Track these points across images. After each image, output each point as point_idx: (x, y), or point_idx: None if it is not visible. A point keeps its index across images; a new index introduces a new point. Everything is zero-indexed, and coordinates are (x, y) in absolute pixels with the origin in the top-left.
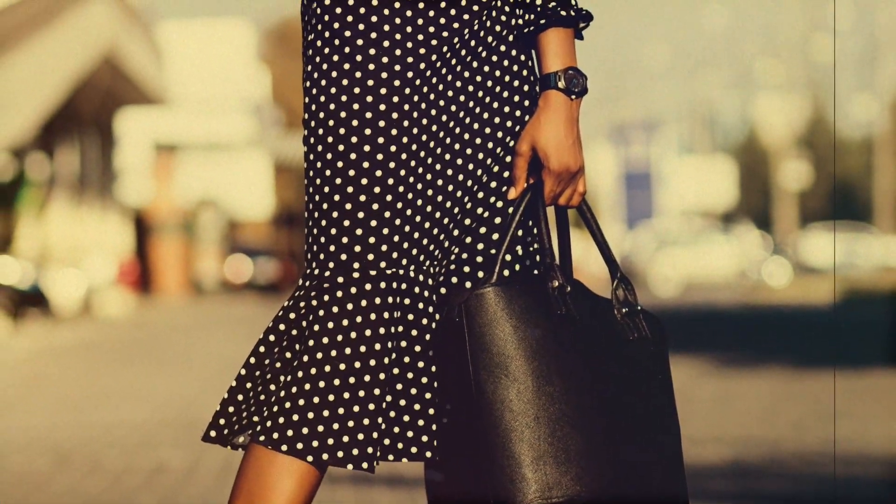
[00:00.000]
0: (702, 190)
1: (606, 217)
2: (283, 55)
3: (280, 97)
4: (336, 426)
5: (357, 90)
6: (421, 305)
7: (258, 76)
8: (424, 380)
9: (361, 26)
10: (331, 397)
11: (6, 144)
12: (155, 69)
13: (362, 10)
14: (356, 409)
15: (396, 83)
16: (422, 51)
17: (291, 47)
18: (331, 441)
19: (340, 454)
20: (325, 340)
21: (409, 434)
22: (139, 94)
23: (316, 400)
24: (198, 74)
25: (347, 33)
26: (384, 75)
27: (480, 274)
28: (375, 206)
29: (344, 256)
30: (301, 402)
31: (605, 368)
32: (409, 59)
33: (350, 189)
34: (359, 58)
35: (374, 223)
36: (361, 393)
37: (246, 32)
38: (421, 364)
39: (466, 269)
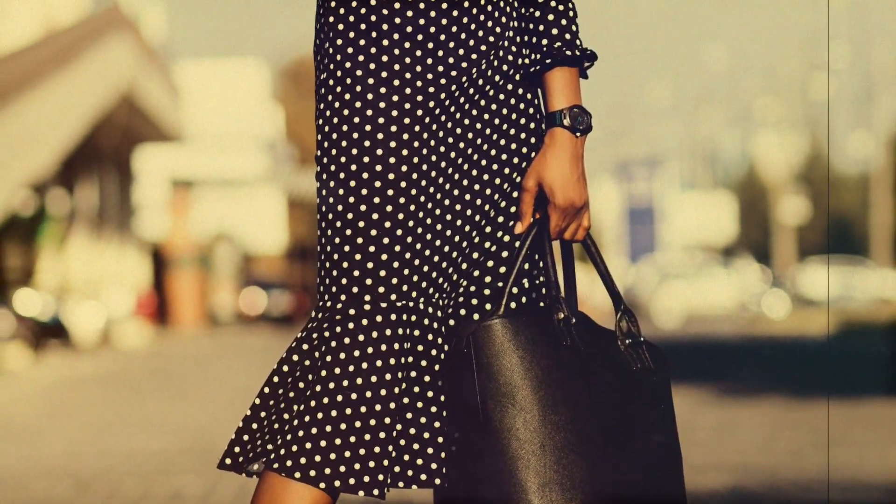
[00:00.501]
0: (703, 225)
1: (610, 251)
2: (296, 94)
3: (293, 134)
4: (348, 454)
5: (368, 128)
6: (430, 337)
7: (272, 114)
8: (434, 409)
9: (372, 66)
10: (343, 426)
11: (28, 180)
12: (172, 107)
13: (373, 50)
14: (367, 437)
15: (406, 121)
16: (431, 90)
17: (304, 86)
18: (343, 468)
19: (352, 481)
20: (338, 371)
21: (419, 461)
22: (157, 132)
23: (328, 428)
24: (213, 112)
25: (359, 72)
26: (394, 113)
27: (488, 306)
28: (386, 240)
29: (355, 289)
30: (314, 430)
31: (610, 398)
32: (419, 98)
33: (361, 223)
34: (370, 96)
35: (384, 256)
36: (372, 422)
37: (260, 72)
38: (430, 394)
39: (474, 301)
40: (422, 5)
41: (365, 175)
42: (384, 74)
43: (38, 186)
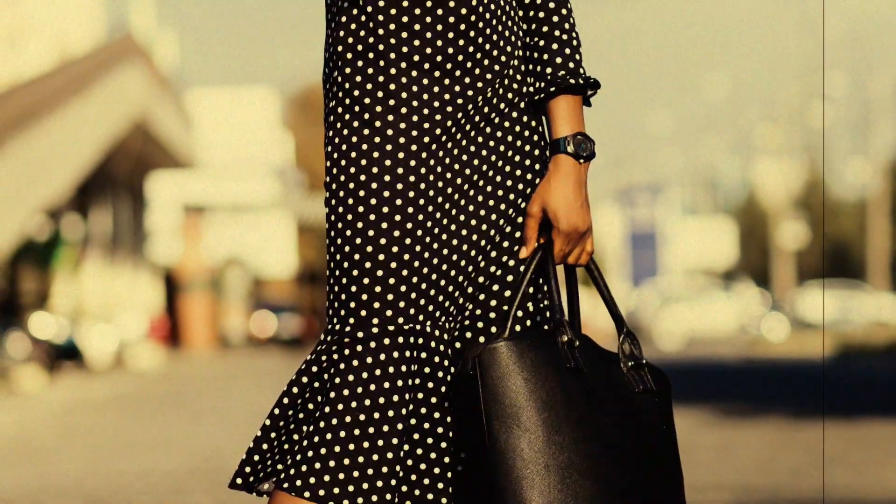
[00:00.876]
0: (704, 249)
1: (613, 275)
2: (305, 121)
3: (303, 161)
4: (356, 474)
5: (376, 154)
6: (437, 359)
7: (282, 141)
8: (440, 430)
9: (380, 94)
10: (351, 447)
11: (43, 206)
12: (184, 134)
13: (381, 79)
14: (375, 457)
15: (413, 147)
16: (438, 117)
17: (314, 114)
18: (351, 488)
19: (360, 501)
20: (346, 393)
21: (426, 481)
22: (169, 158)
23: (337, 449)
24: (225, 139)
25: (367, 100)
26: (402, 140)
27: (493, 329)
28: (393, 265)
29: (364, 312)
30: (323, 451)
31: (612, 419)
32: (426, 125)
33: (369, 248)
34: (378, 124)
35: (392, 281)
36: (380, 443)
37: (271, 100)
38: (437, 415)
39: (480, 324)
40: (429, 35)
41: (373, 201)
42: (392, 102)
43: (52, 212)
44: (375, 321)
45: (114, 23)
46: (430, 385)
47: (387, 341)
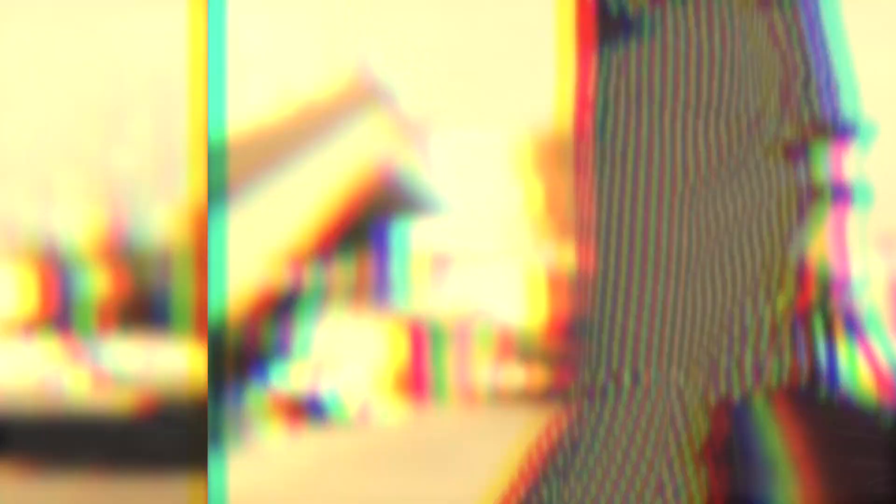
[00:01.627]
0: None
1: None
2: (555, 165)
3: (553, 207)
4: None
5: (628, 202)
6: (689, 413)
7: (530, 186)
8: (693, 484)
9: (634, 138)
10: (603, 502)
11: (284, 254)
12: (429, 179)
13: (634, 123)
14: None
15: (667, 196)
16: (691, 163)
17: (563, 158)
18: None
19: None
20: (598, 447)
21: None
22: (413, 204)
23: None
24: (471, 184)
25: (620, 145)
26: (655, 188)
27: (748, 381)
28: (646, 316)
29: (615, 364)
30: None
31: (871, 475)
32: (680, 172)
33: (622, 298)
34: (631, 169)
35: (645, 332)
36: (632, 496)
37: (518, 143)
38: (690, 469)
39: (735, 376)
40: (680, 77)
41: (626, 250)
42: (646, 148)
43: (294, 260)
44: (627, 373)
45: (354, 66)
46: (682, 439)
47: (639, 395)
